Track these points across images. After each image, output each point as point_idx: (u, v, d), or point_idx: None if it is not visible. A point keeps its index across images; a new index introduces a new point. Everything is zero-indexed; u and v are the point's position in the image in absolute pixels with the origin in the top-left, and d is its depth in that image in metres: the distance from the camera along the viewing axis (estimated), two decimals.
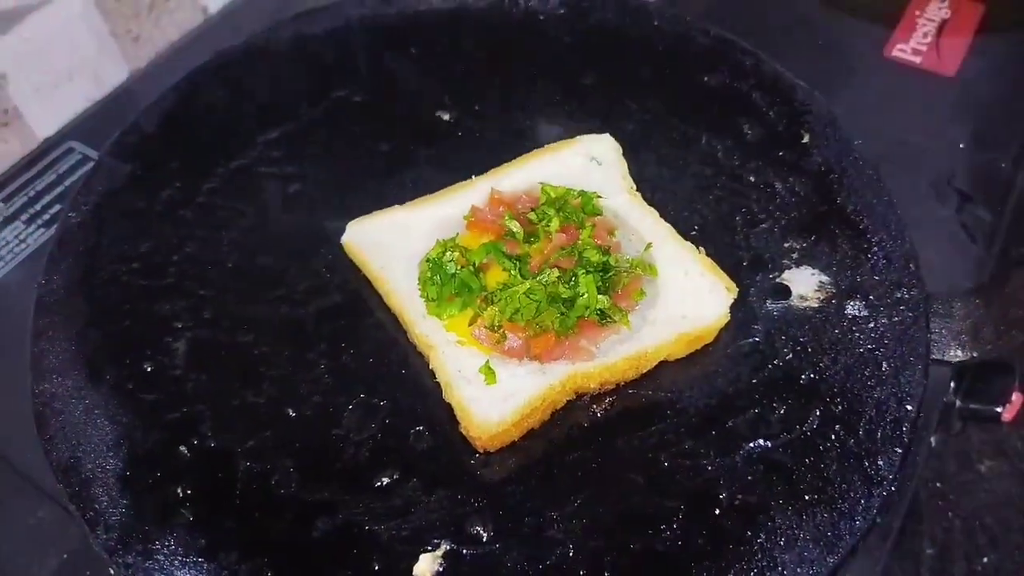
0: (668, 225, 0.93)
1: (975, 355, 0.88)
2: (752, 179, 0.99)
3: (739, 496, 0.76)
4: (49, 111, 1.17)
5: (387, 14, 1.16)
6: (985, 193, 1.04)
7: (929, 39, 1.23)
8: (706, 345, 0.86)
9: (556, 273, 0.84)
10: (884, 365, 0.83)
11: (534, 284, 0.83)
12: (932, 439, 0.86)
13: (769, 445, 0.79)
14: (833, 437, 0.79)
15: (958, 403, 0.88)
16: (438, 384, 0.83)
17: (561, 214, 0.89)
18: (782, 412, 0.81)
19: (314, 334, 0.88)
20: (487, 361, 0.82)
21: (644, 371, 0.84)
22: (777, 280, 0.90)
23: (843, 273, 0.90)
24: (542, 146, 1.00)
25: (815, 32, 1.25)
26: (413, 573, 0.73)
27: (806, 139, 1.01)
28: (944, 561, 0.81)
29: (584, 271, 0.84)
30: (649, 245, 0.90)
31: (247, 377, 0.85)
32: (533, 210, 0.90)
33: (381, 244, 0.92)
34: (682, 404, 0.83)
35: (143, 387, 0.84)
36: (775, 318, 0.88)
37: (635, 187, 0.97)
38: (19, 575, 0.81)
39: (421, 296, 0.87)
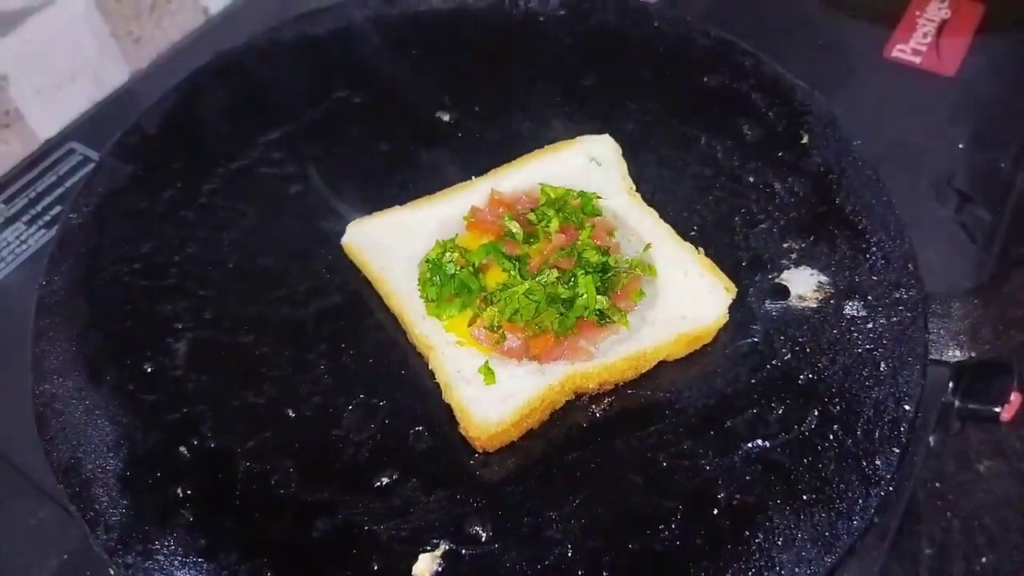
0: (667, 226, 0.93)
1: (973, 355, 0.88)
2: (751, 179, 0.99)
3: (737, 496, 0.77)
4: (50, 112, 1.17)
5: (388, 15, 1.16)
6: (984, 193, 1.04)
7: (929, 39, 1.23)
8: (705, 345, 0.87)
9: (555, 274, 0.84)
10: (882, 365, 0.83)
11: (533, 285, 0.83)
12: (930, 439, 0.86)
13: (767, 445, 0.79)
14: (831, 437, 0.80)
15: (956, 403, 0.88)
16: (437, 384, 0.83)
17: (561, 215, 0.89)
18: (780, 412, 0.81)
19: (314, 335, 0.88)
20: (486, 361, 0.82)
21: (643, 371, 0.84)
22: (776, 280, 0.91)
23: (842, 273, 0.90)
24: (542, 147, 1.00)
25: (815, 32, 1.25)
26: (412, 573, 0.74)
27: (805, 139, 1.01)
28: (942, 561, 0.81)
29: (583, 272, 0.84)
30: (648, 246, 0.90)
31: (247, 378, 0.85)
32: (533, 211, 0.91)
33: (381, 245, 0.92)
34: (681, 404, 0.83)
35: (144, 388, 0.84)
36: (774, 318, 0.88)
37: (635, 188, 0.97)
38: (19, 575, 0.81)
39: (421, 297, 0.87)
